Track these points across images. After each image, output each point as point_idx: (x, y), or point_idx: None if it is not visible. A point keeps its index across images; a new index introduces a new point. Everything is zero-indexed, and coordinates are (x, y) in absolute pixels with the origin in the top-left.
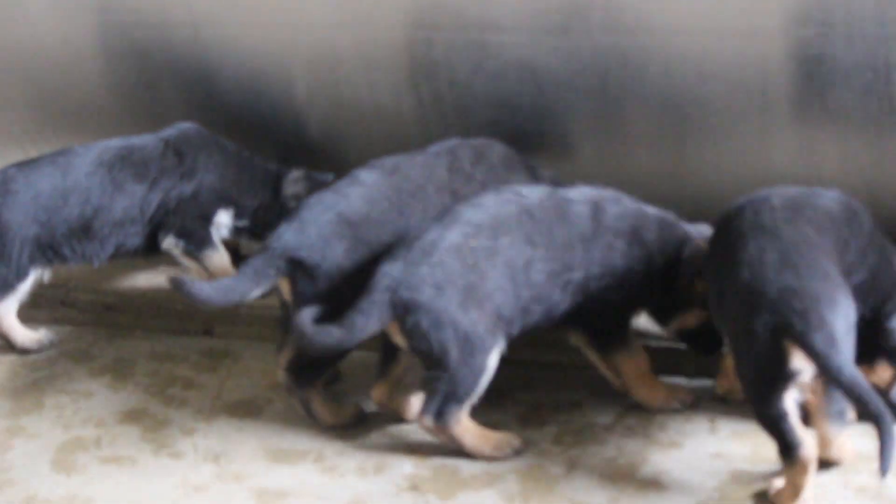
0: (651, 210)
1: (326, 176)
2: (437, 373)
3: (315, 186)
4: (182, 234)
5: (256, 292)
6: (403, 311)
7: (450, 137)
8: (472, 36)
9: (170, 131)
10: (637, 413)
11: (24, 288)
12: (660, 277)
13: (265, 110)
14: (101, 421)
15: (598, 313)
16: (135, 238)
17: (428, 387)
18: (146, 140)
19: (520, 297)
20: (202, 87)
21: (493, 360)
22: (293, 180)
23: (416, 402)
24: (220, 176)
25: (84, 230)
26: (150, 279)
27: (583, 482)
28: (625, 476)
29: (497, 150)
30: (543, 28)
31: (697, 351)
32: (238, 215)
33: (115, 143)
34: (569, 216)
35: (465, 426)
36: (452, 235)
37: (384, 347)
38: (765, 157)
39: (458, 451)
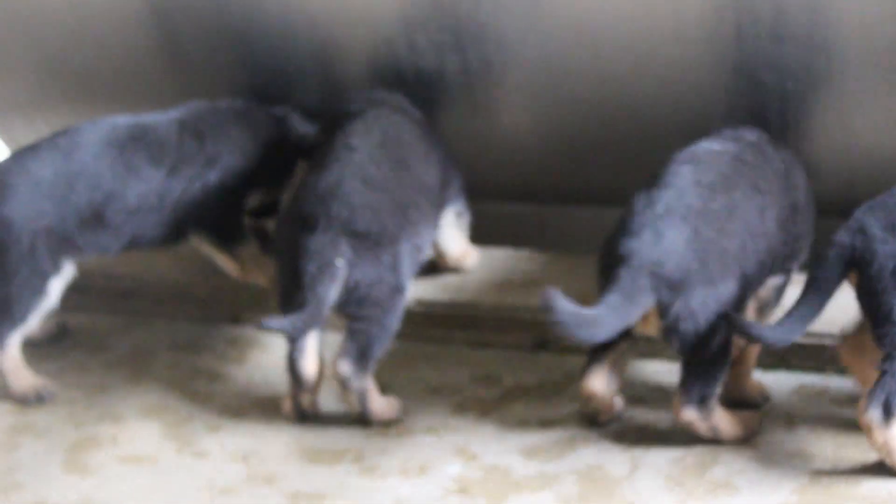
0: None
1: None
2: (696, 358)
3: None
4: (212, 229)
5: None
6: (669, 290)
7: (498, 104)
8: None
9: (181, 111)
10: None
11: (58, 286)
12: None
13: (295, 74)
14: (117, 417)
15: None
16: (155, 229)
17: (687, 373)
18: (157, 120)
19: (759, 250)
20: (230, 50)
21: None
22: None
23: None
24: (245, 155)
25: (97, 219)
26: (170, 263)
27: (647, 484)
28: (693, 477)
29: None
30: None
31: None
32: (273, 192)
33: (124, 121)
34: (767, 157)
35: (720, 412)
36: (691, 199)
37: None
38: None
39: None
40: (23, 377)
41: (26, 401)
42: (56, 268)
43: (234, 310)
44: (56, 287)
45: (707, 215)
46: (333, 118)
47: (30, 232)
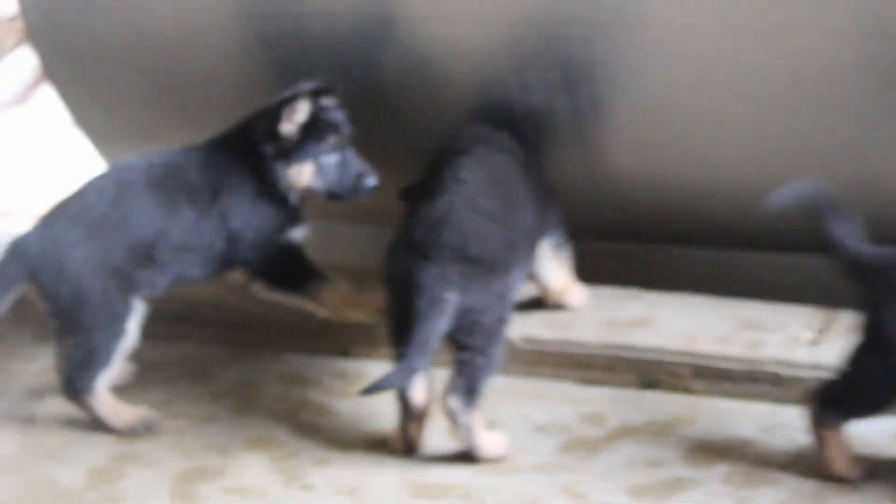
0: None
1: None
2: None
3: None
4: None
5: None
6: None
7: (606, 143)
8: (633, 35)
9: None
10: (813, 452)
11: (135, 325)
12: None
13: (407, 109)
14: (224, 448)
15: None
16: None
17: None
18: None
19: None
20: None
21: None
22: None
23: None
24: None
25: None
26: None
27: None
28: None
29: None
30: (705, 26)
31: None
32: None
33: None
34: None
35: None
36: None
37: None
38: None
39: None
40: (122, 413)
41: (134, 433)
42: (129, 307)
43: (342, 344)
44: (133, 326)
45: None
46: (439, 152)
47: (102, 277)
